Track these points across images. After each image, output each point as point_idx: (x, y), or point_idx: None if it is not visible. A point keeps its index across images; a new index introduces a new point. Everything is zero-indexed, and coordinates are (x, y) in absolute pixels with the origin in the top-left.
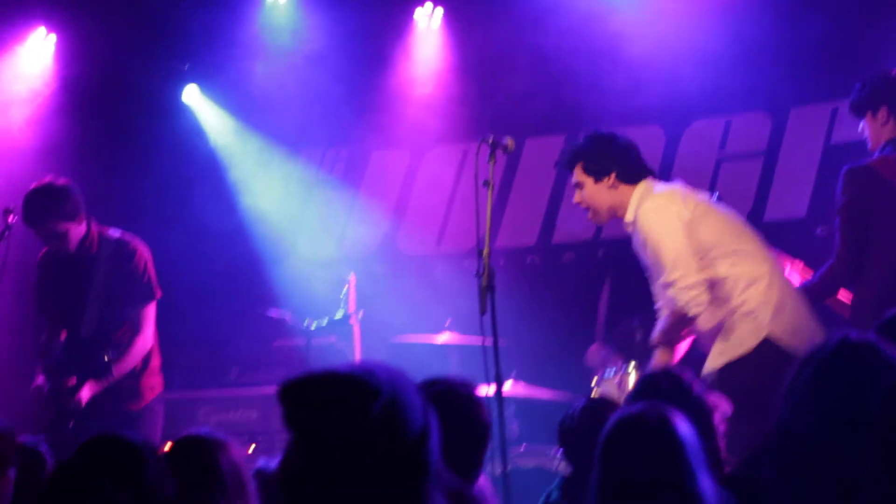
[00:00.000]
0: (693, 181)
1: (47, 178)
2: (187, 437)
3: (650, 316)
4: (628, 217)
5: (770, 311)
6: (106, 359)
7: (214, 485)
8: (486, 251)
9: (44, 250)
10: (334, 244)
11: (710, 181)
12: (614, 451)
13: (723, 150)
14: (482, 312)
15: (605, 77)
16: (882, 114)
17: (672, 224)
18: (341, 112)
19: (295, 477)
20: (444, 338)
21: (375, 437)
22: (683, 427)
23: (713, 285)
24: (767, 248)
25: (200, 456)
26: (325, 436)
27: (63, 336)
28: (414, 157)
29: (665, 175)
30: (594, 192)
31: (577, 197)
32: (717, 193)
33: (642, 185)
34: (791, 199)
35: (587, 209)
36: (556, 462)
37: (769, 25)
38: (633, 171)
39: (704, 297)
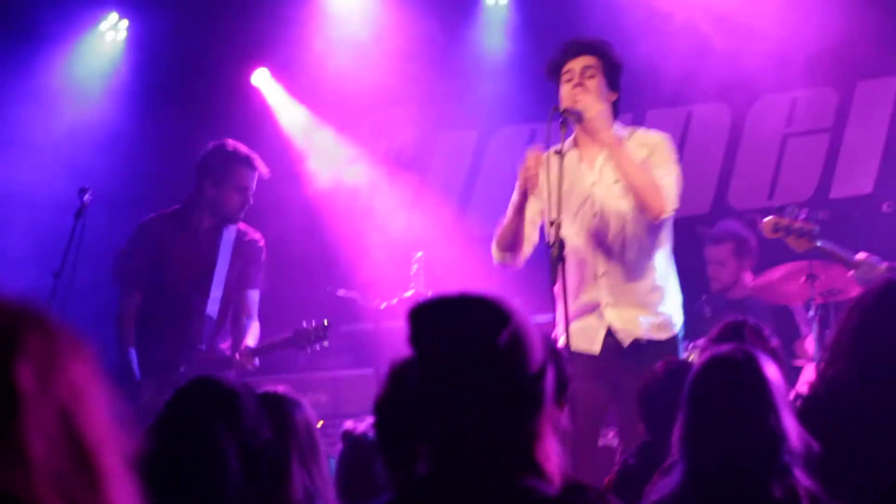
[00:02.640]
0: (759, 158)
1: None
2: (265, 393)
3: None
4: (620, 133)
5: None
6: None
7: (290, 441)
8: (556, 221)
9: (151, 216)
10: (404, 225)
11: (776, 158)
12: (703, 389)
13: (789, 126)
14: (552, 283)
15: (668, 54)
16: None
17: None
18: (409, 93)
19: (409, 399)
20: None
21: (499, 364)
22: (770, 367)
23: None
24: None
25: (277, 411)
26: (451, 357)
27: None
28: (482, 138)
29: (732, 153)
30: (601, 94)
31: (578, 79)
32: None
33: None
34: (857, 175)
35: (580, 96)
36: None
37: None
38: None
39: None
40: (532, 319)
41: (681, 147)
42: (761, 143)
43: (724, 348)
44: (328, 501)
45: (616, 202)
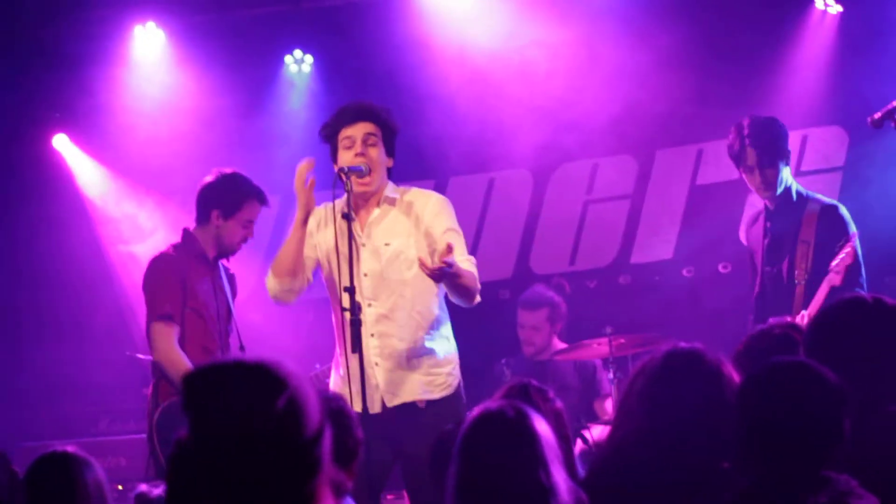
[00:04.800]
0: (561, 223)
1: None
2: (52, 454)
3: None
4: (392, 195)
5: None
6: None
7: (77, 499)
8: (350, 287)
9: (163, 252)
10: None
11: (577, 224)
12: (474, 442)
13: (590, 193)
14: (353, 351)
15: (472, 121)
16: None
17: None
18: (210, 159)
19: (185, 464)
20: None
21: (275, 430)
22: (540, 423)
23: None
24: None
25: (66, 472)
26: (226, 423)
27: None
28: (283, 206)
29: (534, 219)
30: (381, 162)
31: (361, 147)
32: None
33: None
34: (658, 241)
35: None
36: None
37: (634, 70)
38: None
39: None
40: (309, 383)
41: (483, 213)
42: (563, 209)
43: (495, 404)
44: None
45: (380, 264)
